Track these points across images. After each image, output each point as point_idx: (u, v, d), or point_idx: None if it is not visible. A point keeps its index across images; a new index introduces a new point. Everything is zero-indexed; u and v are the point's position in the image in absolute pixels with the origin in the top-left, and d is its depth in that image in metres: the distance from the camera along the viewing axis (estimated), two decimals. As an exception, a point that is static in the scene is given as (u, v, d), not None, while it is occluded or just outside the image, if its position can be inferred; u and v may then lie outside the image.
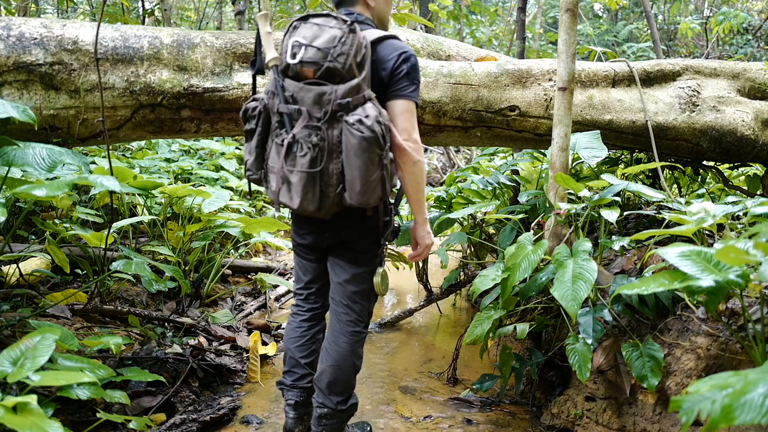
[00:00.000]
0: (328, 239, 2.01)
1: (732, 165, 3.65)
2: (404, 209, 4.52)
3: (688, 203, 2.27)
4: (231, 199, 4.78)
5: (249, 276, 4.73)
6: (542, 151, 3.17)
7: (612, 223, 2.34)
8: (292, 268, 3.97)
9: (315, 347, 2.25)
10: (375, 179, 1.75)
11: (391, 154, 1.82)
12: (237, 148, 7.61)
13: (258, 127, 1.89)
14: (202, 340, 3.21)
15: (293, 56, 1.79)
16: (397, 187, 1.97)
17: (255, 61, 2.00)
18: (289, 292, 4.39)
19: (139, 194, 3.91)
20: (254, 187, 1.94)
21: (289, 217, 2.08)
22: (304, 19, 1.83)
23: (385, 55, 1.84)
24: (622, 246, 2.28)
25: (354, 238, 1.98)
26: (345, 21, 1.76)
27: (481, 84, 2.84)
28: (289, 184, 1.78)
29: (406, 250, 4.04)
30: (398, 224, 2.08)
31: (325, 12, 1.83)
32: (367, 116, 1.72)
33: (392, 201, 2.01)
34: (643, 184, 3.18)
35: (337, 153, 1.75)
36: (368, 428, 2.41)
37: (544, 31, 13.14)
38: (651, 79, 3.11)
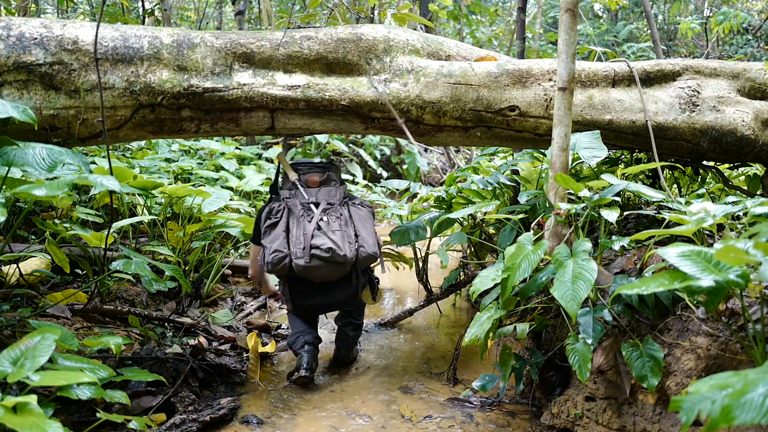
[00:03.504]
0: (332, 298, 2.90)
1: (732, 165, 3.65)
2: (404, 209, 4.52)
3: (688, 203, 2.26)
4: (231, 199, 4.78)
5: (249, 276, 4.73)
6: (542, 151, 3.17)
7: (612, 223, 2.34)
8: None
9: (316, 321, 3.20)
10: (375, 239, 2.85)
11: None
12: (237, 148, 7.62)
13: (280, 220, 2.77)
14: (202, 340, 3.22)
15: (305, 174, 2.97)
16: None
17: (275, 183, 3.06)
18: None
19: (139, 194, 3.91)
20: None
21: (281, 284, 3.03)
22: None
23: None
24: (622, 246, 2.27)
25: (349, 301, 2.96)
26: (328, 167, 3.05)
27: (481, 84, 2.84)
28: (333, 239, 2.69)
29: (407, 251, 4.05)
30: (378, 279, 3.16)
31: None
32: (363, 203, 2.95)
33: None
34: (643, 184, 3.18)
35: (350, 222, 2.80)
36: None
37: (544, 31, 13.13)
38: (651, 79, 3.10)
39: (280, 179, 3.08)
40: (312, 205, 2.79)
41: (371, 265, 3.01)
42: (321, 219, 2.74)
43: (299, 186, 2.88)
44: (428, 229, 3.49)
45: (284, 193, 2.89)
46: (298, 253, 2.66)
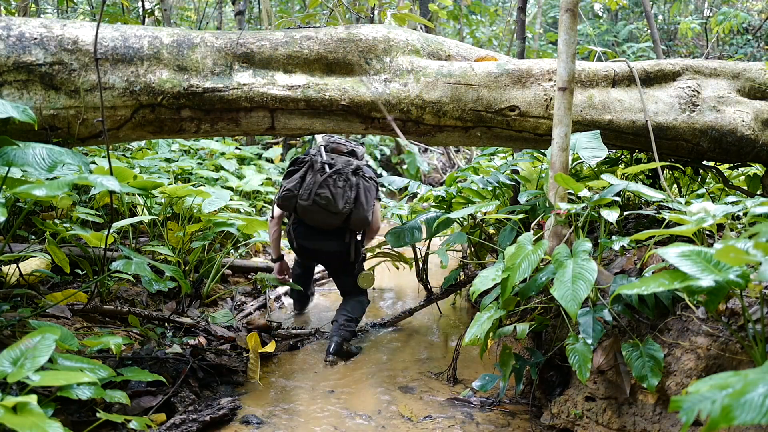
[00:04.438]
0: (324, 246, 3.48)
1: (732, 165, 3.65)
2: (404, 209, 4.52)
3: (688, 203, 2.26)
4: (231, 199, 4.78)
5: (249, 276, 4.73)
6: (542, 151, 3.17)
7: (612, 223, 2.34)
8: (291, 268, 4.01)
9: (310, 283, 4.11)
10: (371, 209, 3.40)
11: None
12: (237, 148, 7.62)
13: (302, 169, 3.36)
14: (202, 340, 3.21)
15: (334, 142, 3.53)
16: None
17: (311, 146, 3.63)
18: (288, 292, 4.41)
19: (139, 194, 3.91)
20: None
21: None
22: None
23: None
24: (622, 246, 2.27)
25: (339, 255, 3.52)
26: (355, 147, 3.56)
27: (481, 84, 2.84)
28: (333, 193, 3.25)
29: (407, 251, 4.05)
30: (365, 253, 3.73)
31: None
32: (372, 177, 3.47)
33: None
34: (643, 184, 3.18)
35: (354, 189, 3.32)
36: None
37: (544, 31, 13.13)
38: (651, 79, 3.10)
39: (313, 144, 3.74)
40: (327, 166, 3.30)
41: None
42: (331, 176, 3.26)
43: (323, 149, 3.42)
44: (424, 229, 3.50)
45: (312, 151, 3.45)
46: (304, 195, 3.27)
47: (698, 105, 3.01)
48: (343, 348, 3.32)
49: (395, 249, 4.13)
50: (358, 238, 3.63)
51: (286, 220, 3.68)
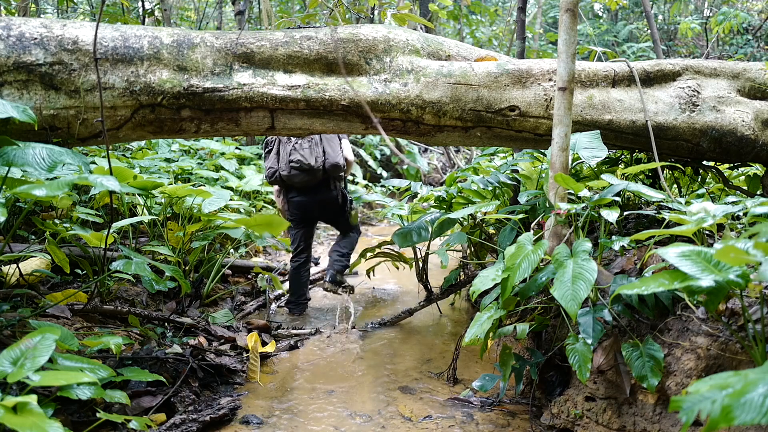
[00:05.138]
0: (314, 197, 4.08)
1: (732, 165, 3.65)
2: (404, 209, 4.52)
3: (688, 203, 2.26)
4: (231, 199, 4.78)
5: (249, 276, 4.73)
6: (542, 151, 3.17)
7: (612, 223, 2.34)
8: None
9: (305, 280, 4.26)
10: (338, 152, 4.01)
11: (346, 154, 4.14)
12: (237, 148, 7.62)
13: (273, 147, 4.04)
14: (202, 340, 3.21)
15: None
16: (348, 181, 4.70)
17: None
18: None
19: (139, 194, 3.91)
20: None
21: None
22: None
23: None
24: (622, 246, 2.27)
25: (331, 204, 4.16)
26: None
27: (481, 84, 2.84)
28: (302, 154, 3.90)
29: (407, 250, 4.05)
30: (352, 198, 4.41)
31: None
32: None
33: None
34: (643, 184, 3.18)
35: (320, 143, 3.94)
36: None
37: (544, 31, 13.13)
38: (651, 79, 3.10)
39: None
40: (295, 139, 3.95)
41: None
42: (296, 143, 3.92)
43: None
44: (430, 229, 3.50)
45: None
46: (282, 167, 3.96)
47: (698, 105, 3.01)
48: (337, 278, 4.13)
49: (395, 249, 4.14)
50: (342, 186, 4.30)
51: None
